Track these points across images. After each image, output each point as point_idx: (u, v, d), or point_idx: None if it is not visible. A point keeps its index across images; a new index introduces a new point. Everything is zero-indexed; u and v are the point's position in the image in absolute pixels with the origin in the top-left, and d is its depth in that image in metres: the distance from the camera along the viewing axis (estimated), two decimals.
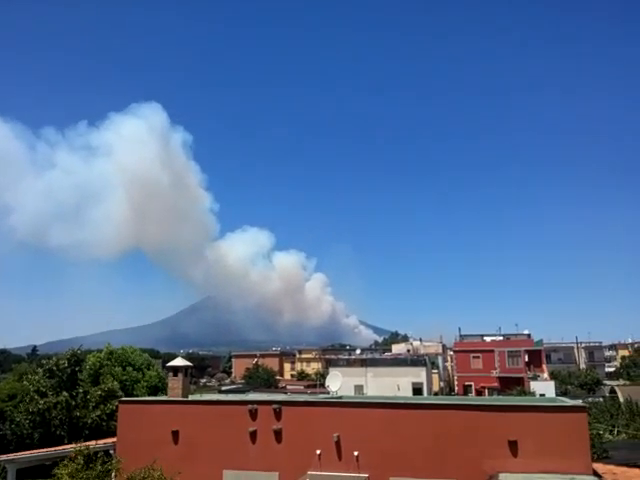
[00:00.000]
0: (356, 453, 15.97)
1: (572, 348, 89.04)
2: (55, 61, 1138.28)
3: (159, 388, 34.73)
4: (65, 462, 12.17)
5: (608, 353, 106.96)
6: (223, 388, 65.84)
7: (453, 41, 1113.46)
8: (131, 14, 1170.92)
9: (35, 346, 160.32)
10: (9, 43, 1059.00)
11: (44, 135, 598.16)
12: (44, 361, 33.97)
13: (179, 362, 20.27)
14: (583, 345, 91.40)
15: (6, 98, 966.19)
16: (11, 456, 21.37)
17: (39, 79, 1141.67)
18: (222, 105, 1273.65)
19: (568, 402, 16.90)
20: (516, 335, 72.62)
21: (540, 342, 71.66)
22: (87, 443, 14.68)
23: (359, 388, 50.89)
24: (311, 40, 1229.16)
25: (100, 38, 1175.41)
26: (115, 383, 32.36)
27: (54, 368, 32.01)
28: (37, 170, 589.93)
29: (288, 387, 69.79)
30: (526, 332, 72.69)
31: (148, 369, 36.67)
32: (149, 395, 32.88)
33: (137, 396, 31.92)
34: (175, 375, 19.80)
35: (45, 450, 21.48)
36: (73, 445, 22.13)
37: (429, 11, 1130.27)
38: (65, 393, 30.78)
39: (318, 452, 16.30)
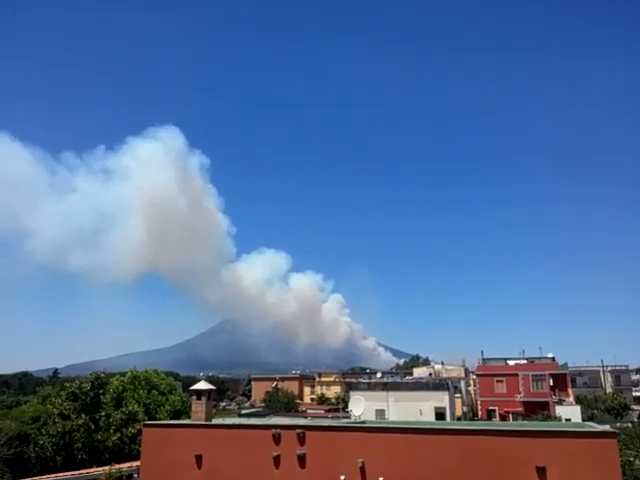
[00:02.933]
0: (381, 479, 15.78)
1: (598, 372, 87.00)
2: (71, 86, 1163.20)
3: (182, 412, 34.75)
4: None
5: (635, 377, 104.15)
6: (243, 411, 65.51)
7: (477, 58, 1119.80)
8: (149, 41, 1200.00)
9: (56, 369, 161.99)
10: (28, 69, 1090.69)
11: (64, 160, 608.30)
12: (67, 384, 34.32)
13: (202, 386, 20.34)
14: (609, 369, 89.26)
15: (26, 123, 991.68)
16: (36, 479, 21.53)
17: (57, 103, 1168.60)
18: (239, 128, 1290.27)
19: (597, 427, 16.52)
20: (540, 358, 71.29)
21: (565, 366, 70.26)
22: (118, 466, 14.70)
23: (380, 412, 50.26)
24: (330, 57, 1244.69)
25: (115, 61, 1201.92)
26: (137, 406, 32.49)
27: (77, 391, 32.33)
28: (57, 194, 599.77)
29: (309, 411, 69.13)
30: (550, 355, 71.38)
31: (171, 393, 36.74)
32: (172, 419, 32.90)
33: (160, 419, 31.97)
34: (199, 399, 19.87)
35: (70, 473, 21.62)
36: (96, 469, 22.31)
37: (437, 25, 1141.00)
38: (84, 416, 31.02)
39: (342, 478, 16.14)
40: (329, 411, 63.04)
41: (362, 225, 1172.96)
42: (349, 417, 23.21)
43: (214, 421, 20.77)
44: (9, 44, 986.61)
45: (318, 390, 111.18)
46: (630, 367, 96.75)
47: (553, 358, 70.43)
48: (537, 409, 54.26)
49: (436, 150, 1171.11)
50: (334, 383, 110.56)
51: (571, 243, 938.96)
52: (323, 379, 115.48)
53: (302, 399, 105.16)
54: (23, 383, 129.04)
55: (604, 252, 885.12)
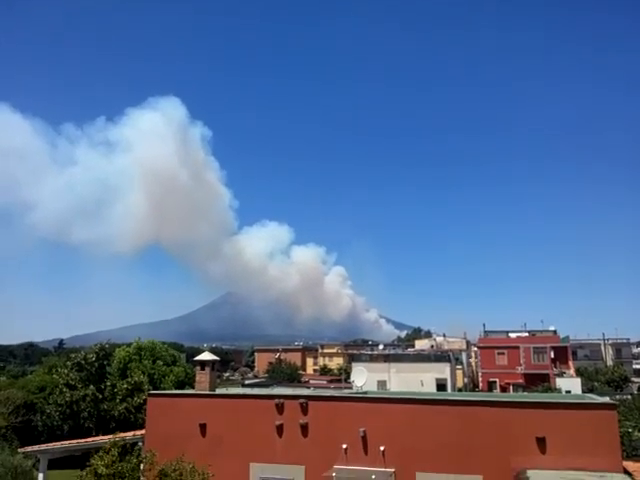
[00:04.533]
0: (382, 448, 15.99)
1: (599, 345, 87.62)
2: (71, 56, 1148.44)
3: (185, 382, 35.19)
4: (100, 453, 12.31)
5: (636, 350, 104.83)
6: (246, 382, 66.33)
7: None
8: (149, 12, 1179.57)
9: (62, 339, 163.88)
10: (28, 41, 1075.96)
11: (64, 131, 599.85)
12: (73, 355, 34.71)
13: (206, 356, 20.50)
14: (610, 341, 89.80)
15: (26, 95, 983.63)
16: (43, 447, 21.92)
17: (57, 75, 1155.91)
18: (241, 100, 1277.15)
19: (597, 399, 16.65)
20: (542, 331, 71.75)
21: (566, 338, 70.72)
22: (121, 435, 14.88)
23: (382, 383, 50.77)
24: (335, 35, 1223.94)
25: (116, 31, 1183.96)
26: (142, 377, 32.89)
27: (82, 362, 32.70)
28: (58, 167, 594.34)
29: (311, 382, 70.00)
30: (552, 328, 71.80)
31: (175, 364, 37.17)
32: (176, 389, 33.32)
33: (164, 389, 32.35)
34: (202, 369, 20.02)
35: (76, 441, 21.93)
36: (102, 437, 22.65)
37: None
38: (92, 386, 31.44)
39: (344, 446, 16.36)
40: (331, 382, 63.89)
41: (364, 198, 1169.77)
42: (351, 388, 23.45)
43: (218, 391, 20.98)
44: (10, 17, 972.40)
45: (321, 361, 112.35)
46: (631, 340, 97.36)
47: (555, 331, 70.86)
48: (538, 381, 54.84)
49: (440, 130, 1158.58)
50: (337, 355, 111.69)
51: (575, 216, 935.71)
52: (326, 351, 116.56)
53: (305, 370, 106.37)
54: (29, 353, 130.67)
55: (607, 226, 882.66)
